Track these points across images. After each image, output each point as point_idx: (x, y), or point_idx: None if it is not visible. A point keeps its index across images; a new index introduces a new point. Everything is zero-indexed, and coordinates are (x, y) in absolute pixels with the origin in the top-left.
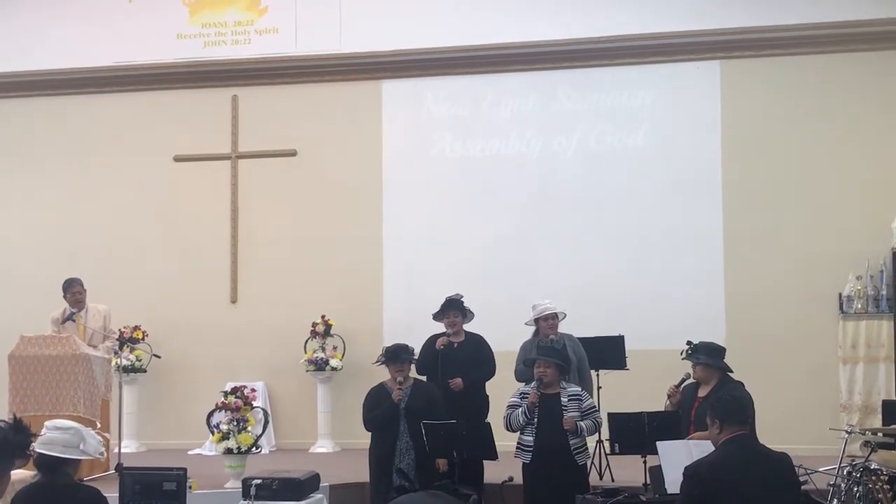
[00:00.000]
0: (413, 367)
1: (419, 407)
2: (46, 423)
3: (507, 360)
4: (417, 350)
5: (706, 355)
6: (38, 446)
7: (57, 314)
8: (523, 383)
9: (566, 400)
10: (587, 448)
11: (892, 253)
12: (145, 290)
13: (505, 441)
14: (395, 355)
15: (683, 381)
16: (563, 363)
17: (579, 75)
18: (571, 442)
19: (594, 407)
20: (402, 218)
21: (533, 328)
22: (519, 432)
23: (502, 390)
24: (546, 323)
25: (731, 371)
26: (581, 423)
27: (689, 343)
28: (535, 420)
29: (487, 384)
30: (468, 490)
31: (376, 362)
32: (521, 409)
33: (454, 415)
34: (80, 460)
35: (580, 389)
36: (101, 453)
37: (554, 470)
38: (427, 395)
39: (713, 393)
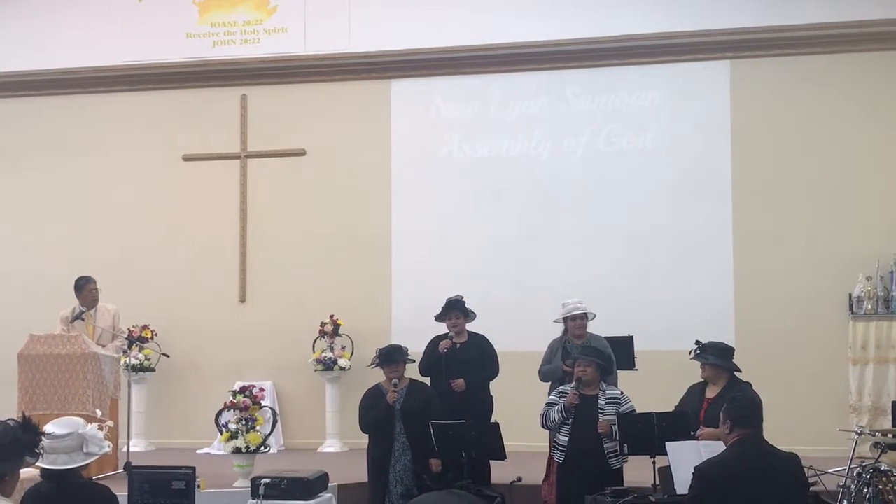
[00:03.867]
0: (407, 367)
1: (414, 408)
2: (45, 428)
3: (514, 360)
4: (418, 351)
5: (715, 356)
6: (42, 461)
7: (66, 313)
8: (549, 383)
9: (603, 403)
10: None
11: None
12: (154, 290)
13: (514, 441)
14: (389, 356)
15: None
16: (605, 363)
17: (588, 75)
18: (606, 446)
19: (633, 411)
20: (410, 218)
21: (562, 326)
22: (555, 431)
23: (507, 390)
24: (574, 323)
25: (740, 371)
26: (617, 427)
27: (697, 342)
28: (571, 420)
29: (492, 384)
30: (491, 492)
31: (370, 365)
32: (558, 407)
33: (458, 416)
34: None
35: (620, 392)
36: (108, 446)
37: (586, 472)
38: (422, 395)
39: (724, 394)
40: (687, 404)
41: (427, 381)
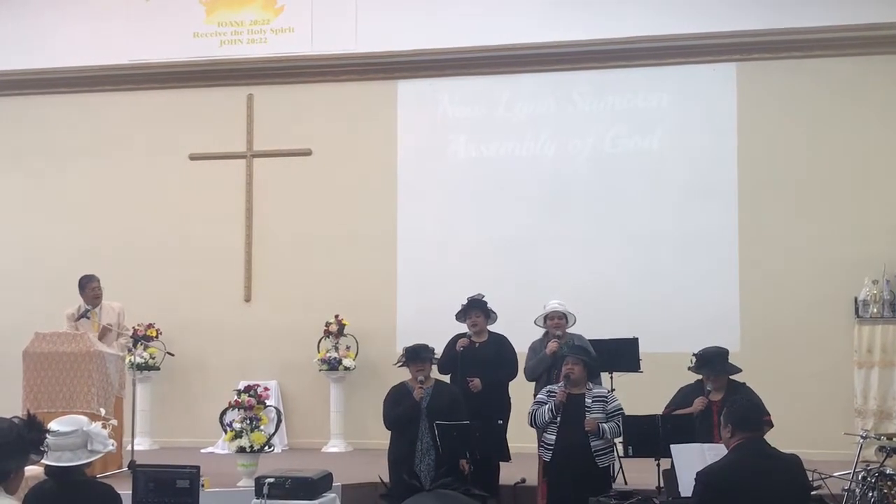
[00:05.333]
0: (434, 367)
1: (441, 407)
2: (49, 425)
3: (519, 360)
4: (437, 349)
5: (722, 364)
6: (47, 458)
7: (71, 311)
8: (534, 381)
9: (590, 401)
10: (611, 450)
11: None
12: (159, 288)
13: (518, 442)
14: (416, 354)
15: (709, 391)
16: (593, 362)
17: (595, 77)
18: (593, 444)
19: (620, 409)
20: (416, 218)
21: (543, 328)
22: (543, 430)
23: (523, 392)
24: (551, 322)
25: (741, 371)
26: (604, 424)
27: (695, 355)
28: (559, 419)
29: (509, 385)
30: (480, 492)
31: (397, 363)
32: (548, 405)
33: (474, 416)
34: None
35: (607, 391)
36: (112, 444)
37: (574, 470)
38: (449, 395)
39: (728, 396)
40: (682, 406)
41: (446, 379)
